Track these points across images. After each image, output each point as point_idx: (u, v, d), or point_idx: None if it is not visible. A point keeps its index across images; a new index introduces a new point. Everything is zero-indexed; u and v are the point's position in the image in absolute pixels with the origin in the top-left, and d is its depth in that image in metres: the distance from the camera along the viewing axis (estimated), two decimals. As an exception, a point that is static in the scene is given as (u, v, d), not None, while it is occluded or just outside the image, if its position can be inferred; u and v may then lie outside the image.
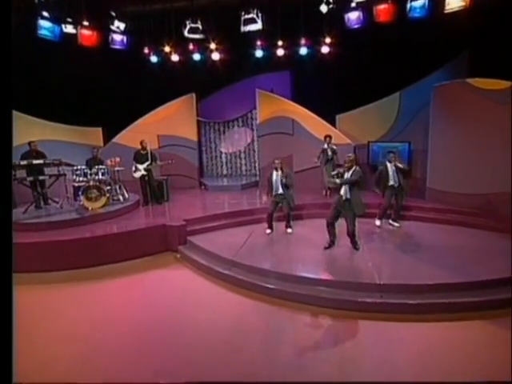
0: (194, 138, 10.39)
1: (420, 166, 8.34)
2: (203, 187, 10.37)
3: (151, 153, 8.08)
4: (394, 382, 2.68)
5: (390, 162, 6.44)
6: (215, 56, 9.86)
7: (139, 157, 7.99)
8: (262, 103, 9.87)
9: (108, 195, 7.38)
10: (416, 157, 8.46)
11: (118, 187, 7.85)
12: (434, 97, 7.44)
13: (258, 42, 10.16)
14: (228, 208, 7.54)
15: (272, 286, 4.62)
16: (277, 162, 6.20)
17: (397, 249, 5.49)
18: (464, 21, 7.17)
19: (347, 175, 5.21)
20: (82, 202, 7.07)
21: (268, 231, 6.45)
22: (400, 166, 6.37)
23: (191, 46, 10.21)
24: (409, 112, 8.63)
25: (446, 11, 7.30)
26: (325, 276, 4.67)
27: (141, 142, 8.01)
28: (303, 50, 10.02)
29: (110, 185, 7.66)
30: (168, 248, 6.39)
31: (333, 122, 9.49)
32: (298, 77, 10.87)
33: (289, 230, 6.41)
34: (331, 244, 5.51)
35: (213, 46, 9.85)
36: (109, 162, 7.77)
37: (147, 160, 7.99)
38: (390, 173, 6.40)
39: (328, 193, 8.27)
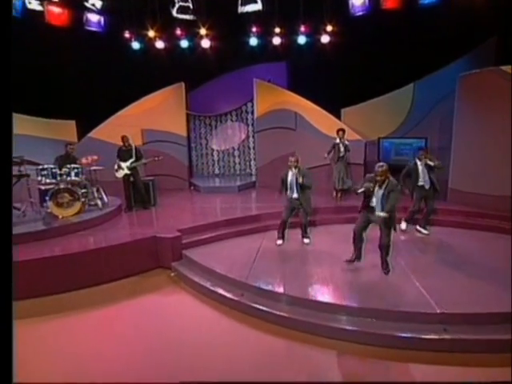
0: (183, 133, 9.23)
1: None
2: (193, 188, 9.26)
3: (136, 149, 6.90)
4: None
5: (420, 159, 5.61)
6: (205, 43, 8.78)
7: (122, 154, 6.79)
8: (260, 94, 8.85)
9: (83, 200, 6.14)
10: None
11: (95, 190, 6.60)
12: (459, 87, 6.67)
13: (254, 29, 9.18)
14: (228, 214, 6.47)
15: (307, 320, 3.61)
16: (292, 159, 5.20)
17: (441, 263, 4.60)
18: (487, 4, 6.48)
19: (379, 191, 4.18)
20: (49, 209, 5.80)
21: (279, 242, 5.47)
22: (431, 163, 5.54)
23: (179, 31, 9.10)
24: (423, 105, 7.89)
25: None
26: (364, 304, 3.71)
27: (122, 138, 6.80)
28: (302, 39, 9.12)
29: (85, 187, 6.41)
30: (159, 265, 5.28)
31: (337, 117, 8.61)
32: (296, 68, 9.90)
33: (306, 241, 5.45)
34: (355, 259, 4.57)
35: (203, 31, 8.77)
36: (84, 161, 6.52)
37: (131, 157, 6.80)
38: (420, 172, 5.57)
39: (339, 195, 7.36)
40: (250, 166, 10.15)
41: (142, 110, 8.81)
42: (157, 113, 8.86)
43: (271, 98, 8.72)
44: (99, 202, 6.48)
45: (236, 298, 4.09)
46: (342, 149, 7.24)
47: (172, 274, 5.09)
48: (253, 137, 9.92)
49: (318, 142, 8.27)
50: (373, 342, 3.32)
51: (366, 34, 8.43)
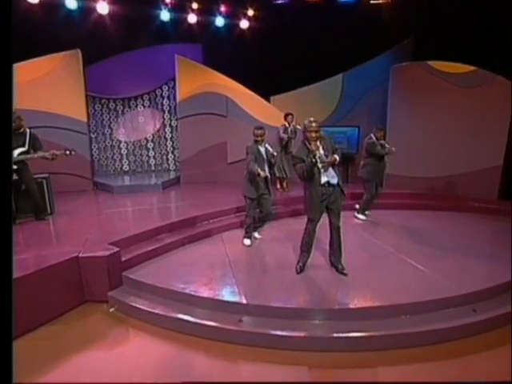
0: (83, 117, 7.04)
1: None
2: (96, 189, 7.25)
3: (31, 134, 4.75)
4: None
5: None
6: (102, 8, 6.89)
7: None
8: (183, 74, 7.49)
9: None
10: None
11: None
12: (392, 77, 6.94)
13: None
14: (165, 218, 5.03)
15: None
16: (258, 131, 4.27)
17: (420, 245, 4.44)
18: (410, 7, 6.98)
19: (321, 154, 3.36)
20: None
21: (247, 242, 4.50)
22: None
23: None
24: (353, 96, 7.98)
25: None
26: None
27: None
28: (220, 21, 8.24)
29: None
30: (85, 298, 3.60)
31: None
32: (214, 52, 8.85)
33: (258, 236, 4.70)
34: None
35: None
36: None
37: (23, 145, 4.64)
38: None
39: (285, 185, 6.79)
40: (168, 160, 8.64)
41: (18, 82, 6.31)
42: (41, 87, 6.49)
43: (197, 79, 7.48)
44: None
45: (231, 328, 2.95)
46: (289, 135, 6.67)
47: (111, 309, 3.51)
48: (170, 126, 8.46)
49: (251, 130, 7.50)
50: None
51: (288, 23, 8.15)
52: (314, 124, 3.37)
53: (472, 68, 6.21)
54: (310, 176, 3.40)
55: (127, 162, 8.42)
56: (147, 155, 8.52)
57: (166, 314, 3.24)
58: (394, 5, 7.09)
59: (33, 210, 4.95)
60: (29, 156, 4.63)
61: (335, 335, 2.87)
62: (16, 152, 4.60)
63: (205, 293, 3.35)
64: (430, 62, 6.53)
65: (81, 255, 3.55)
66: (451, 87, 6.38)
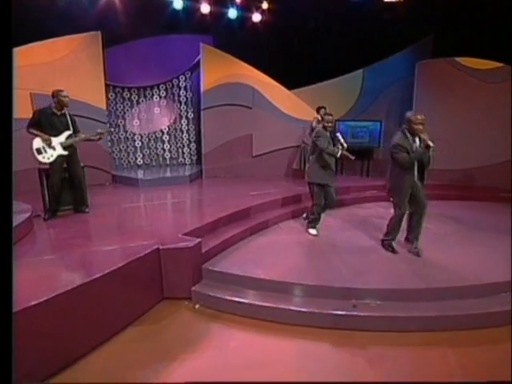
0: (102, 105, 6.53)
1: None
2: (109, 183, 6.74)
3: (70, 115, 4.29)
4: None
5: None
6: None
7: (49, 122, 4.07)
8: (208, 64, 7.18)
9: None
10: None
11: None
12: (418, 73, 7.09)
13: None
14: (222, 209, 4.71)
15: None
16: (330, 117, 4.26)
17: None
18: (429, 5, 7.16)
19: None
20: None
21: (314, 232, 4.38)
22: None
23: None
24: (373, 91, 8.07)
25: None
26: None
27: (54, 93, 4.16)
28: (233, 13, 8.03)
29: None
30: (164, 295, 3.28)
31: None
32: (226, 45, 8.56)
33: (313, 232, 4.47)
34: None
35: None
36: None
37: (68, 128, 4.18)
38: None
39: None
40: (183, 153, 8.25)
41: (33, 64, 5.74)
42: (59, 71, 5.93)
43: (223, 68, 7.21)
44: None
45: (342, 313, 2.80)
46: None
47: (197, 306, 3.22)
48: (186, 118, 8.09)
49: (277, 122, 7.37)
50: None
51: (307, 17, 8.10)
52: (419, 117, 3.42)
53: (498, 64, 6.46)
54: (410, 166, 3.43)
55: (141, 156, 7.93)
56: (162, 148, 8.08)
57: (262, 304, 3.03)
58: (408, 5, 7.20)
59: (71, 201, 4.49)
60: (77, 139, 4.19)
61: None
62: (64, 136, 4.15)
63: (301, 280, 3.19)
64: (457, 59, 6.72)
65: (162, 247, 3.22)
66: (477, 83, 6.62)
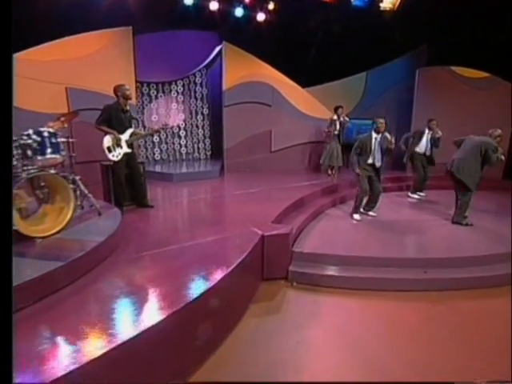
0: (133, 100, 6.51)
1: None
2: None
3: (130, 112, 4.42)
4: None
5: (429, 128, 6.37)
6: None
7: (118, 118, 4.17)
8: (229, 62, 7.43)
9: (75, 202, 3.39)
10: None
11: (79, 181, 3.77)
12: (418, 78, 7.94)
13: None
14: (279, 199, 5.10)
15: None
16: (383, 121, 4.88)
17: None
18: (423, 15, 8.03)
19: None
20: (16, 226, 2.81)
21: (357, 217, 5.03)
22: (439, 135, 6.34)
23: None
24: (374, 93, 8.85)
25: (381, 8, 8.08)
26: None
27: (116, 88, 4.28)
28: (239, 11, 8.32)
29: (73, 182, 3.58)
30: (263, 277, 3.67)
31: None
32: (232, 42, 8.84)
33: (373, 214, 5.21)
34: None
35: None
36: (51, 123, 3.57)
37: (130, 126, 4.31)
38: (424, 139, 6.39)
39: (333, 172, 7.32)
40: (198, 148, 8.44)
41: (66, 59, 5.64)
42: (93, 65, 5.89)
43: (244, 67, 7.50)
44: (96, 204, 3.74)
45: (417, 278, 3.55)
46: (337, 126, 7.19)
47: (294, 284, 3.66)
48: (202, 113, 8.28)
49: (295, 120, 7.87)
50: None
51: (306, 20, 8.60)
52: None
53: (486, 74, 7.54)
54: None
55: (159, 151, 7.99)
56: (179, 143, 8.20)
57: (355, 275, 3.58)
58: (401, 13, 7.98)
59: (132, 197, 4.62)
60: (139, 136, 4.37)
61: None
62: (128, 133, 4.28)
63: (381, 254, 3.80)
64: (453, 67, 7.70)
65: (266, 234, 3.60)
66: (469, 89, 7.66)
